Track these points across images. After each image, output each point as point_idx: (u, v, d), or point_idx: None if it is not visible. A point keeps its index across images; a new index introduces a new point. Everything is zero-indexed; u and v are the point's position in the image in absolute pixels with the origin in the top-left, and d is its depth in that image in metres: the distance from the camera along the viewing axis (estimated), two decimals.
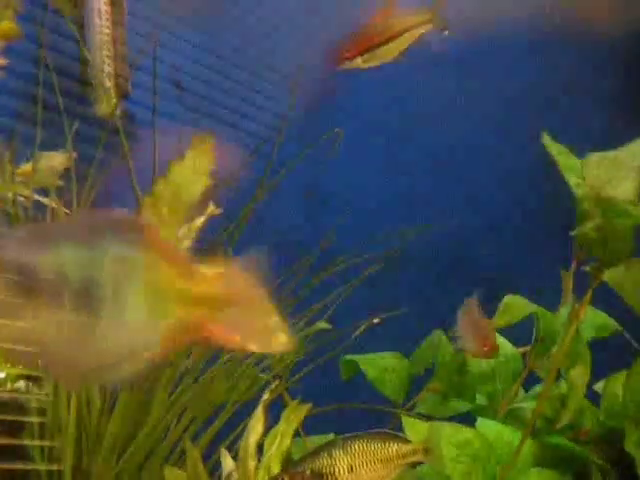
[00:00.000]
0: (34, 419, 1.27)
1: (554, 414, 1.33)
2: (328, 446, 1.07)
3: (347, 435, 1.09)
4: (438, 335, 1.57)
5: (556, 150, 1.22)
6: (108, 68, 1.60)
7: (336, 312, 1.60)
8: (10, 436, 1.25)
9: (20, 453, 1.26)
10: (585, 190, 1.16)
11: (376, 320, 1.68)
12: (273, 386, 1.34)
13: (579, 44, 2.00)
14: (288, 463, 1.13)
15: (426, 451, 1.08)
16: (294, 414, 1.29)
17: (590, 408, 1.35)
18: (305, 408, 1.29)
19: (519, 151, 2.04)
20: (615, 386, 1.33)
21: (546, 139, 1.22)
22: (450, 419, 1.44)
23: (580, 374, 1.24)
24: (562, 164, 1.20)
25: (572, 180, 1.19)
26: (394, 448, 1.07)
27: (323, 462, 1.05)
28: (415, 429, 1.21)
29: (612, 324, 1.43)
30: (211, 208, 1.13)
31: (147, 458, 1.29)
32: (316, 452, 1.07)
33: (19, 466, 1.24)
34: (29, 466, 1.24)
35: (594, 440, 1.33)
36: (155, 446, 1.29)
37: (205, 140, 0.92)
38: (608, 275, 1.19)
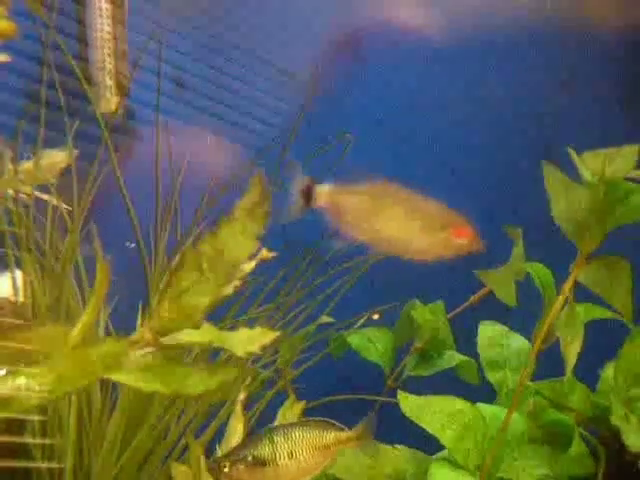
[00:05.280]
0: (35, 417, 1.28)
1: (550, 392, 1.33)
2: (269, 433, 1.11)
3: (286, 423, 1.16)
4: (412, 303, 1.59)
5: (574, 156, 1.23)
6: (109, 66, 1.59)
7: (336, 310, 1.61)
8: (11, 434, 1.25)
9: (21, 451, 1.26)
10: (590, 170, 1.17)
11: (376, 316, 1.68)
12: (247, 383, 1.34)
13: (579, 43, 2.00)
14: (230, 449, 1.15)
15: (359, 439, 1.14)
16: (290, 412, 1.30)
17: (585, 390, 1.36)
18: (300, 405, 1.31)
19: (519, 148, 2.04)
20: (611, 372, 1.33)
21: (571, 153, 1.22)
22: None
23: (574, 349, 1.24)
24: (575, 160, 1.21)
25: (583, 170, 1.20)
26: (331, 435, 1.12)
27: (265, 448, 1.09)
28: (409, 403, 1.22)
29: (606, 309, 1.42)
30: (264, 253, 1.10)
31: (147, 458, 1.30)
32: (257, 438, 1.10)
33: (20, 464, 1.24)
34: (30, 464, 1.25)
35: (587, 421, 1.34)
36: (155, 446, 1.30)
37: (259, 203, 0.87)
38: (582, 276, 1.19)
